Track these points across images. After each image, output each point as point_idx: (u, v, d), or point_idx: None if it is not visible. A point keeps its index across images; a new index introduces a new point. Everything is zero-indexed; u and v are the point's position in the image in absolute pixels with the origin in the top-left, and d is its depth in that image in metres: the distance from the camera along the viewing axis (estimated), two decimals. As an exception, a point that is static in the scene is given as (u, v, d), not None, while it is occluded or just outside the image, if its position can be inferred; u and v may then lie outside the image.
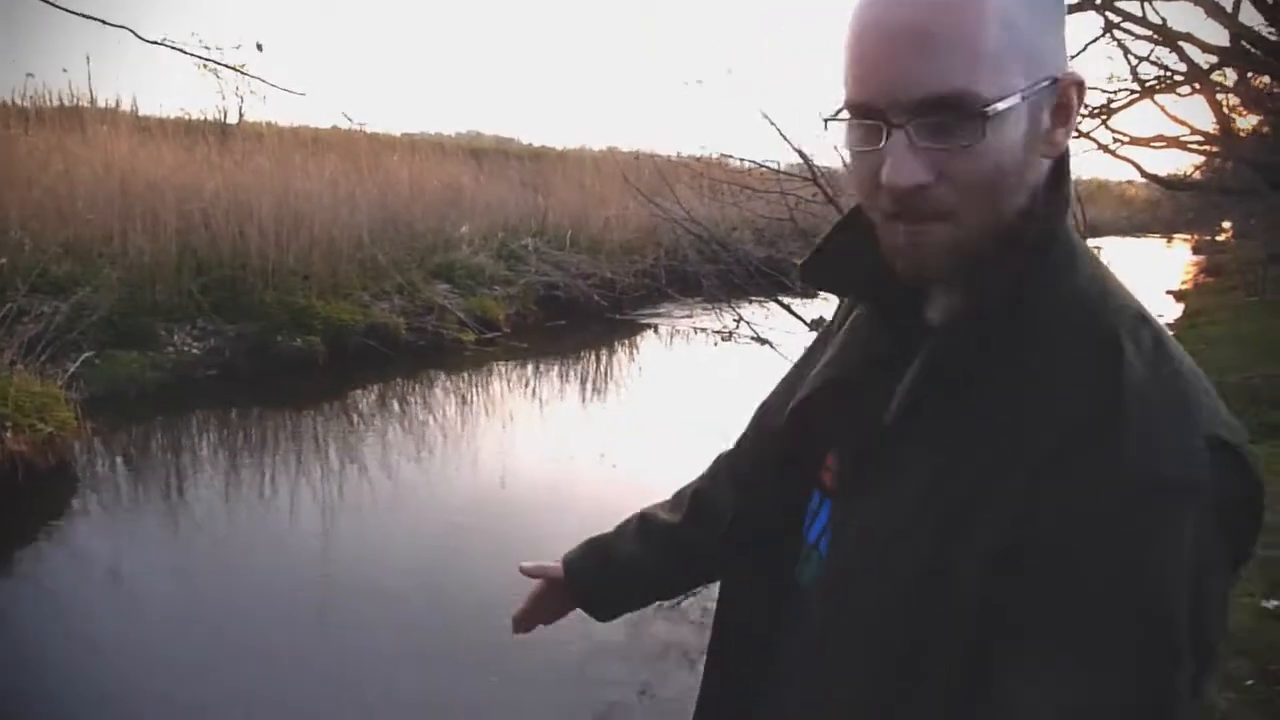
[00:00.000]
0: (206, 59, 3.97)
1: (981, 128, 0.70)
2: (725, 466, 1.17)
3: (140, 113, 12.35)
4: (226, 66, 4.12)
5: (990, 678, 0.69)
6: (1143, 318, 0.75)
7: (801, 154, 5.91)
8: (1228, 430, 0.70)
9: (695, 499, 1.17)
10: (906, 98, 0.70)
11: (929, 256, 0.75)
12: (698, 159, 10.39)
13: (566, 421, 8.25)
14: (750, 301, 6.94)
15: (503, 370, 9.93)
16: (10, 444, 5.40)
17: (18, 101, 11.62)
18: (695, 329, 12.54)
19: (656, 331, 12.37)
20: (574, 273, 12.59)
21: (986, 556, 0.70)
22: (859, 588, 0.78)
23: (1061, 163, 0.79)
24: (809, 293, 6.68)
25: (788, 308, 6.04)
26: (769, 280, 6.50)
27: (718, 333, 7.58)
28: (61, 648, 4.02)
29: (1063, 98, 0.75)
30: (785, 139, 5.61)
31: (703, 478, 1.20)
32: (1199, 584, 0.66)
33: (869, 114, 0.73)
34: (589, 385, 9.88)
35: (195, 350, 8.44)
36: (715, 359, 11.07)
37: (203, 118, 13.10)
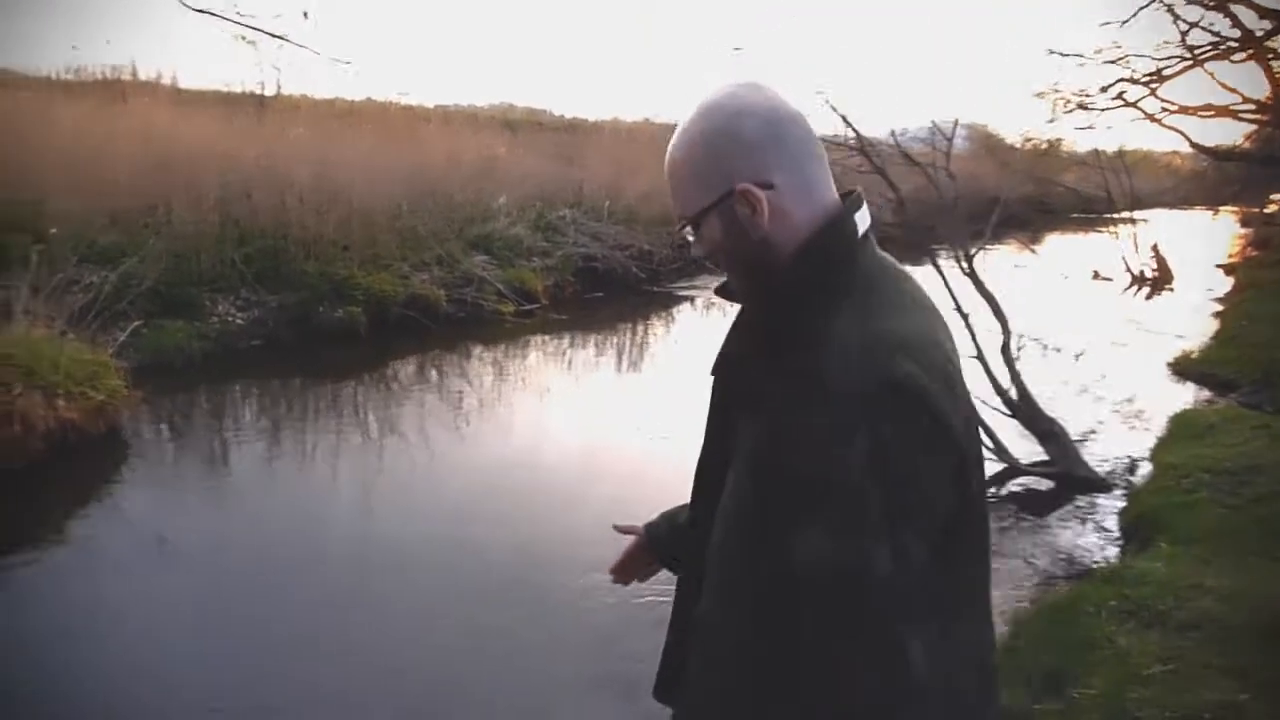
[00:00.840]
0: (254, 27, 3.94)
1: (695, 228, 1.18)
2: None
3: (180, 85, 12.45)
4: (272, 35, 4.09)
5: (770, 535, 1.05)
6: (873, 298, 1.11)
7: (847, 121, 5.83)
8: (903, 374, 1.02)
9: None
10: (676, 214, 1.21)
11: (726, 285, 1.26)
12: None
13: (604, 393, 8.25)
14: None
15: (541, 342, 9.94)
16: (63, 411, 5.48)
17: (63, 76, 11.75)
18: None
19: (693, 304, 12.32)
20: (611, 244, 12.55)
21: (772, 463, 1.06)
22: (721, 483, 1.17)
23: (825, 230, 1.15)
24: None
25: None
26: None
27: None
28: (109, 608, 4.10)
29: (741, 200, 1.12)
30: (832, 108, 5.52)
31: None
32: (889, 472, 0.99)
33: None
34: (626, 357, 9.87)
35: (239, 320, 8.52)
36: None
37: (240, 90, 13.15)
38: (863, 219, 1.17)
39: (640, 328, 11.16)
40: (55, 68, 11.85)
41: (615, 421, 7.25)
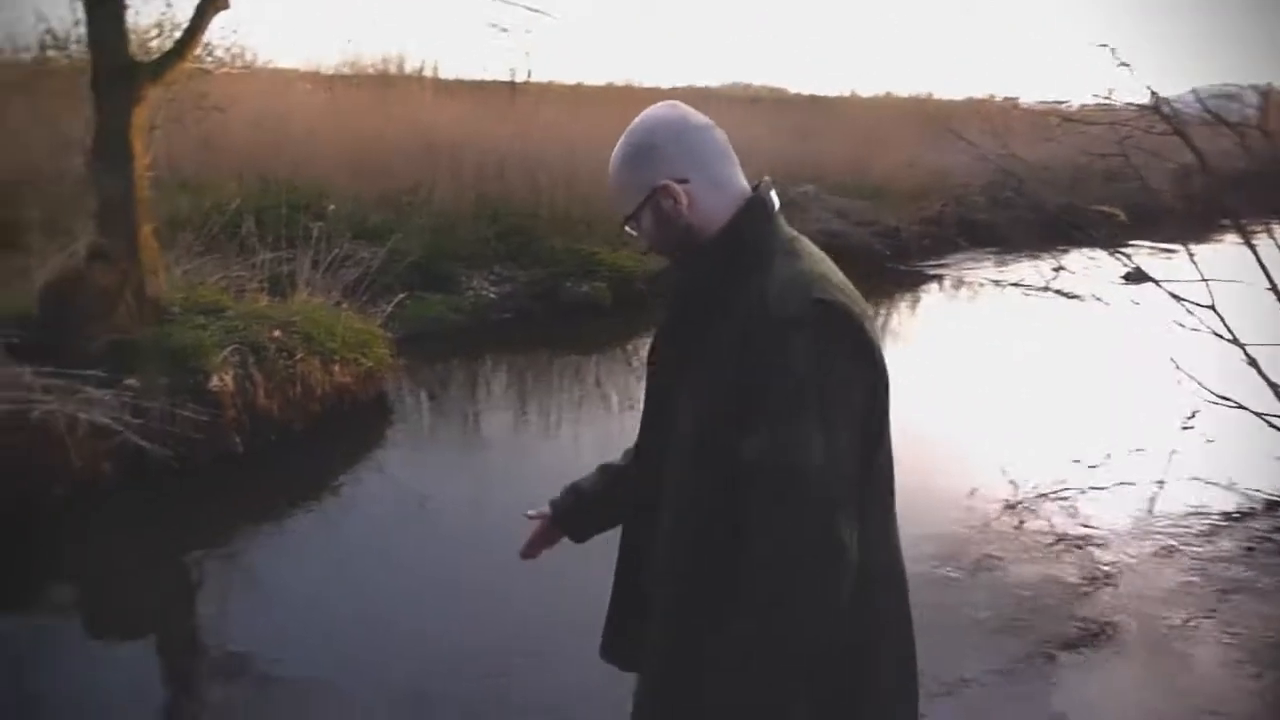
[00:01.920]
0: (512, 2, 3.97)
1: (635, 222, 1.44)
2: None
3: (440, 75, 13.17)
4: (531, 9, 4.12)
5: (719, 442, 1.28)
6: (793, 254, 1.36)
7: (1151, 90, 5.22)
8: (831, 298, 1.27)
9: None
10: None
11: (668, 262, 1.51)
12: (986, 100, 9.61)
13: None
14: (1050, 253, 6.28)
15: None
16: (338, 376, 5.88)
17: (340, 69, 12.74)
18: (986, 280, 11.72)
19: (941, 283, 11.68)
20: (855, 220, 12.09)
21: (722, 387, 1.29)
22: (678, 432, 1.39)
23: (744, 209, 1.41)
24: (1117, 243, 6.09)
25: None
26: (1070, 229, 5.84)
27: (1023, 286, 6.96)
28: (373, 564, 4.35)
29: (664, 194, 1.39)
30: (1128, 67, 4.96)
31: None
32: (821, 374, 1.22)
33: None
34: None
35: (491, 294, 8.89)
36: (1010, 311, 10.30)
37: (493, 79, 13.76)
38: (773, 200, 1.42)
39: (884, 306, 10.69)
40: (333, 61, 12.87)
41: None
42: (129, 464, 4.73)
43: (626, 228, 1.46)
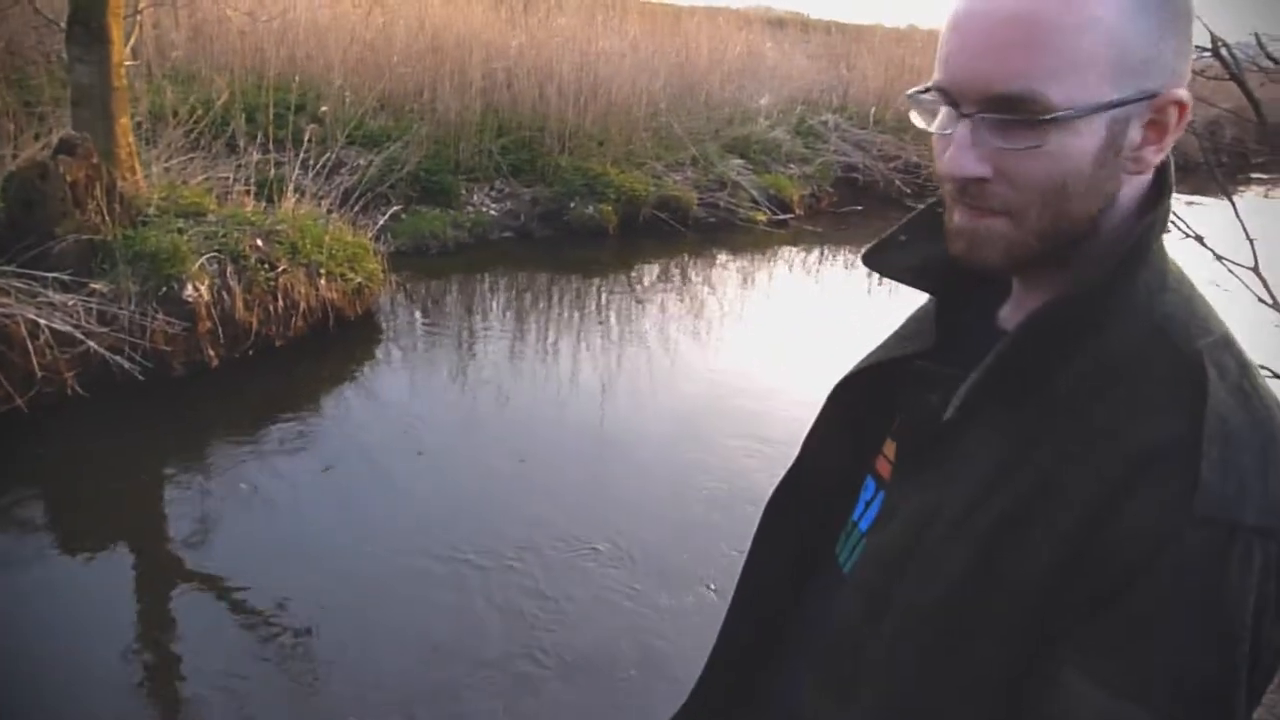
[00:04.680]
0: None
1: (1044, 133, 0.70)
2: None
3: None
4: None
5: (1033, 689, 0.70)
6: (1228, 343, 0.73)
7: (1210, 32, 4.77)
8: None
9: None
10: (975, 91, 0.71)
11: (982, 247, 0.76)
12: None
13: (853, 316, 7.60)
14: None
15: (792, 255, 9.36)
16: (324, 291, 5.57)
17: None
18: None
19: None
20: (876, 154, 11.62)
21: (1044, 557, 0.69)
22: (900, 573, 0.78)
23: (1162, 179, 0.77)
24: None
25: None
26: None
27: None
28: (361, 484, 4.20)
29: (1157, 115, 0.71)
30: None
31: None
32: (1260, 625, 0.65)
33: (946, 98, 0.73)
34: (881, 280, 9.11)
35: (492, 211, 8.51)
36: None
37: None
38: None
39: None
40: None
41: (862, 343, 6.65)
42: (95, 375, 4.45)
43: (967, 128, 0.73)
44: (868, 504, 0.93)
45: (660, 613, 3.43)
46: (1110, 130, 0.71)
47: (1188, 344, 0.71)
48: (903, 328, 0.98)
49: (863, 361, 0.97)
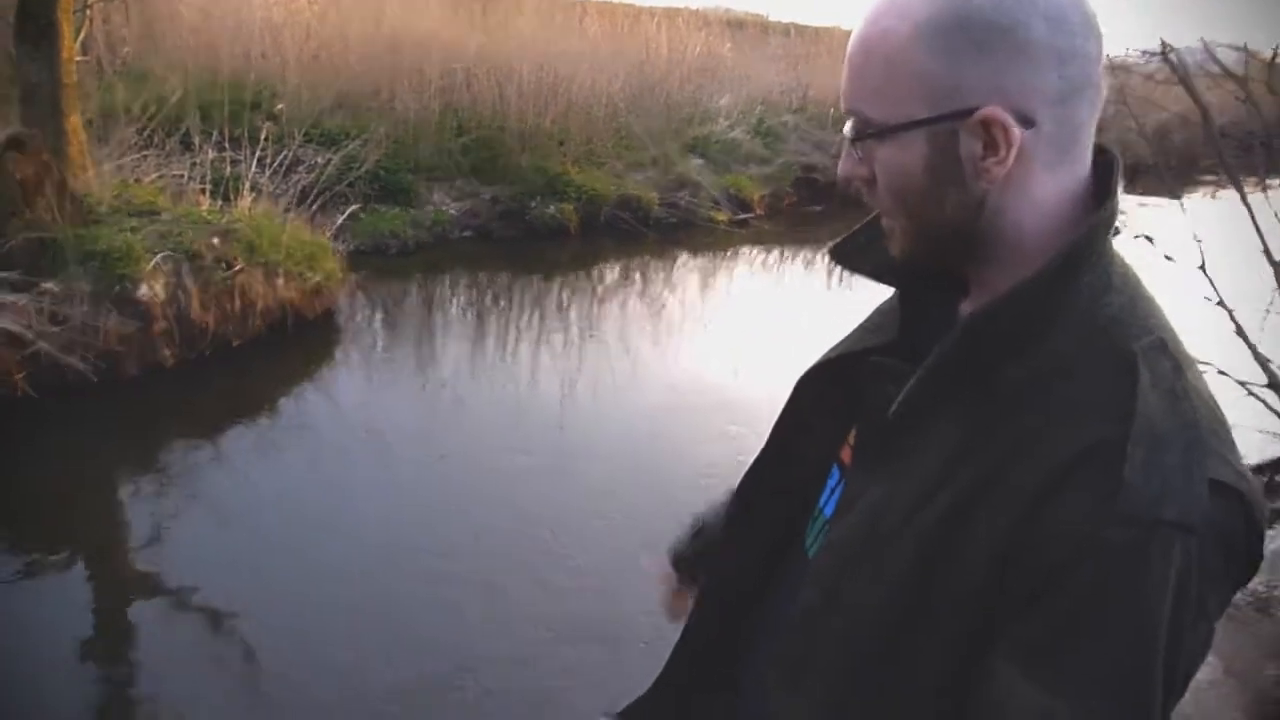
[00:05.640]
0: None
1: (874, 145, 0.80)
2: None
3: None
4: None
5: (971, 676, 0.72)
6: (1164, 345, 0.75)
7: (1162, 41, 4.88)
8: (1233, 475, 0.71)
9: None
10: (844, 105, 0.82)
11: (891, 243, 0.86)
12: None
13: (812, 313, 7.67)
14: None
15: (752, 254, 9.43)
16: (281, 291, 5.50)
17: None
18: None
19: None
20: (835, 155, 11.68)
21: (984, 555, 0.72)
22: (854, 568, 0.81)
23: (1104, 182, 0.80)
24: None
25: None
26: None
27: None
28: (318, 486, 4.16)
29: (985, 130, 0.75)
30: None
31: None
32: (1179, 620, 0.67)
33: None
34: (841, 275, 9.20)
35: (452, 210, 8.46)
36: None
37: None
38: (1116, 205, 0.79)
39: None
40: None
41: (822, 339, 6.71)
42: (46, 376, 4.36)
43: (846, 140, 0.82)
44: (832, 491, 0.95)
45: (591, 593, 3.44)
46: (933, 144, 0.77)
47: (1125, 345, 0.74)
48: (868, 320, 1.01)
49: (828, 353, 1.00)
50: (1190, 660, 0.70)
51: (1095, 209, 0.79)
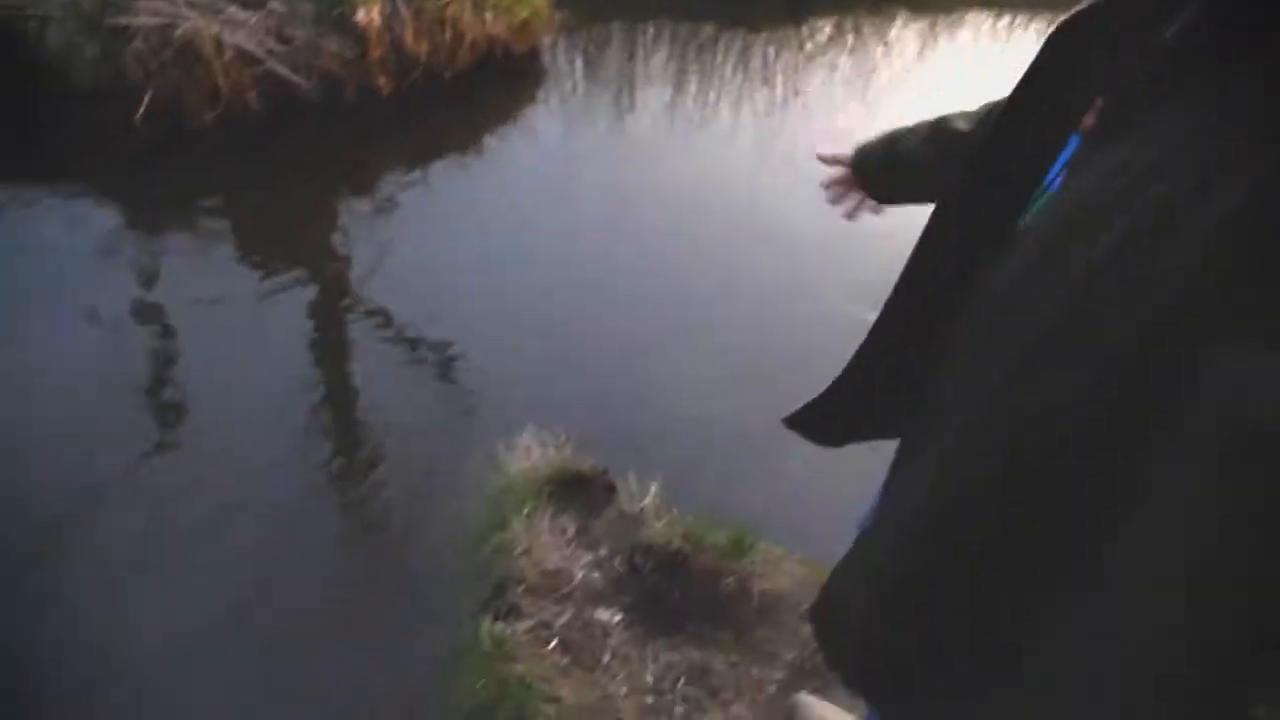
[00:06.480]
0: None
1: None
2: None
3: None
4: None
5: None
6: None
7: None
8: None
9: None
10: None
11: None
12: None
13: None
14: None
15: (979, 19, 8.61)
16: (490, 25, 5.48)
17: None
18: None
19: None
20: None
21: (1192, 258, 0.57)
22: (1081, 228, 0.66)
23: None
24: None
25: None
26: None
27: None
28: (509, 228, 4.32)
29: None
30: None
31: None
32: None
33: None
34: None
35: (662, -49, 8.05)
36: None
37: None
38: None
39: None
40: None
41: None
42: (274, 97, 4.60)
43: None
44: (1064, 166, 0.82)
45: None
46: None
47: None
48: None
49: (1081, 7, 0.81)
50: None
51: None
